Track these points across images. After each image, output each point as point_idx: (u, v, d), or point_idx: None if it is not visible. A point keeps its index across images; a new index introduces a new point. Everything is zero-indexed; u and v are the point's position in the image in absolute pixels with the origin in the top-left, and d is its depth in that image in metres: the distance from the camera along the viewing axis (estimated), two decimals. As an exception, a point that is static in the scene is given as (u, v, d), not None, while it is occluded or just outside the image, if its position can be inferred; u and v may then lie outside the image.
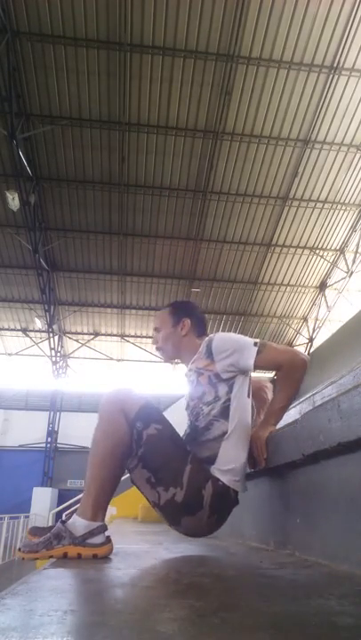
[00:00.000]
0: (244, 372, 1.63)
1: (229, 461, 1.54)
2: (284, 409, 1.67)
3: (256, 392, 1.88)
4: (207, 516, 1.50)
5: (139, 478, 1.53)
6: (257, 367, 1.59)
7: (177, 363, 1.89)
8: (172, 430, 1.56)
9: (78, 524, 1.40)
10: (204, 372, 1.64)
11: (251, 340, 1.62)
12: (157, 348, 1.87)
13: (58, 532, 1.38)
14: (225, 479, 1.51)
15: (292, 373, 1.62)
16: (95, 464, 1.46)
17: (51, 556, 1.36)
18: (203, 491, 1.48)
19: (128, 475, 1.58)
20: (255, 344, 1.60)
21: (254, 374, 1.73)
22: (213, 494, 1.48)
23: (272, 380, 1.86)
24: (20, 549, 1.42)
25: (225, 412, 1.58)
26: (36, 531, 1.49)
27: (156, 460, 1.49)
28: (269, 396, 1.92)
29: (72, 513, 1.52)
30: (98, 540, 1.39)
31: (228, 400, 1.59)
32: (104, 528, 1.42)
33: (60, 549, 1.36)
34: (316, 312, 15.31)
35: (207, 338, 1.69)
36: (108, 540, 1.42)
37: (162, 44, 8.82)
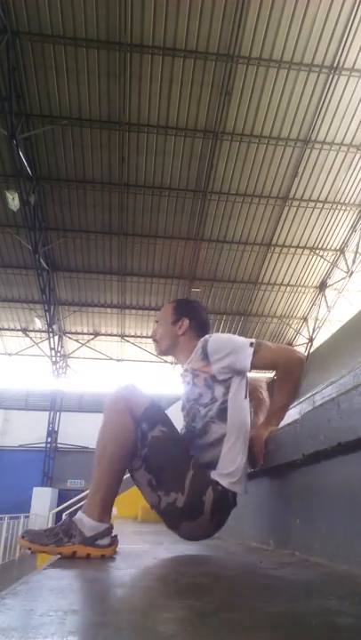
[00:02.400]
0: (241, 374, 1.61)
1: (230, 465, 1.53)
2: (285, 408, 1.67)
3: (251, 392, 1.85)
4: (207, 520, 1.49)
5: (140, 479, 1.52)
6: (254, 367, 1.58)
7: (175, 363, 1.88)
8: (177, 433, 1.56)
9: (87, 522, 1.39)
10: (199, 374, 1.62)
11: (247, 341, 1.60)
12: (153, 340, 1.88)
13: (68, 529, 1.38)
14: (225, 482, 1.51)
15: (290, 372, 1.61)
16: (104, 463, 1.45)
17: (59, 553, 1.36)
18: (203, 497, 1.47)
19: (128, 474, 1.57)
20: (251, 344, 1.58)
21: (249, 374, 1.72)
22: (214, 500, 1.47)
23: (272, 381, 1.85)
24: (23, 536, 1.39)
25: (222, 414, 1.56)
26: (30, 535, 1.42)
27: (158, 463, 1.48)
28: (264, 395, 1.92)
29: (72, 513, 1.51)
30: (106, 541, 1.39)
31: (226, 402, 1.57)
32: (111, 529, 1.42)
33: (70, 547, 1.36)
34: (316, 312, 15.32)
35: (202, 339, 1.66)
36: (114, 540, 1.43)
37: (162, 44, 8.82)
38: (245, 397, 1.64)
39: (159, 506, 1.49)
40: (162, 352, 1.86)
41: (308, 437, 1.22)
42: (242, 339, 1.63)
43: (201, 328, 1.81)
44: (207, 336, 1.67)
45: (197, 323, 1.81)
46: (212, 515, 1.48)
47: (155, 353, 16.53)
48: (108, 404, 1.50)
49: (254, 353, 1.56)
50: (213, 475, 1.51)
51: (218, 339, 1.65)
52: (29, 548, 1.38)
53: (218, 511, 1.50)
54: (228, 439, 1.54)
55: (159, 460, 1.48)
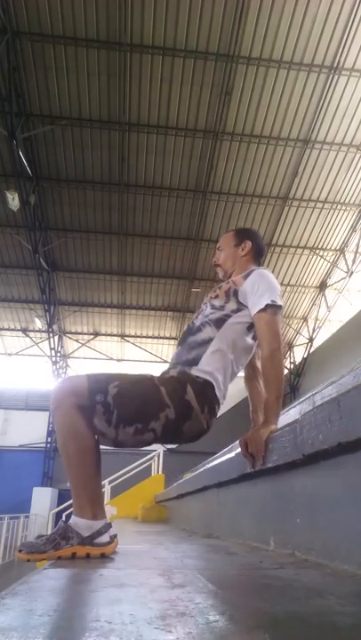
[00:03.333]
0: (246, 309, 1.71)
1: (209, 365, 1.64)
2: (279, 399, 1.66)
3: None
4: (200, 412, 1.58)
5: (128, 439, 1.53)
6: (253, 318, 1.67)
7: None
8: (126, 375, 1.61)
9: (81, 523, 1.40)
10: (230, 285, 1.77)
11: (275, 297, 1.67)
12: (215, 265, 1.99)
13: (64, 533, 1.38)
14: (205, 376, 1.61)
15: (270, 361, 1.61)
16: (73, 463, 1.47)
17: (59, 557, 1.36)
18: (186, 395, 1.56)
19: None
20: (273, 303, 1.64)
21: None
22: (196, 393, 1.57)
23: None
24: (20, 551, 1.40)
25: (219, 323, 1.69)
26: (27, 547, 1.42)
27: (133, 410, 1.51)
28: (258, 365, 1.93)
29: (69, 516, 1.51)
30: (104, 538, 1.40)
31: (228, 316, 1.70)
32: (109, 526, 1.42)
33: (69, 549, 1.36)
34: (316, 312, 15.32)
35: (256, 268, 1.78)
36: (113, 538, 1.43)
37: (162, 44, 8.82)
38: (248, 330, 1.72)
39: (159, 435, 1.54)
40: (225, 274, 1.95)
41: (308, 437, 1.21)
42: (275, 293, 1.69)
43: (259, 252, 1.97)
44: (260, 269, 1.78)
45: (257, 246, 1.96)
46: (201, 406, 1.58)
47: (155, 353, 16.57)
48: (52, 407, 1.52)
49: (265, 309, 1.63)
50: (193, 370, 1.62)
51: (262, 274, 1.74)
52: (28, 560, 1.38)
53: (205, 402, 1.60)
54: (214, 344, 1.66)
55: (132, 408, 1.51)
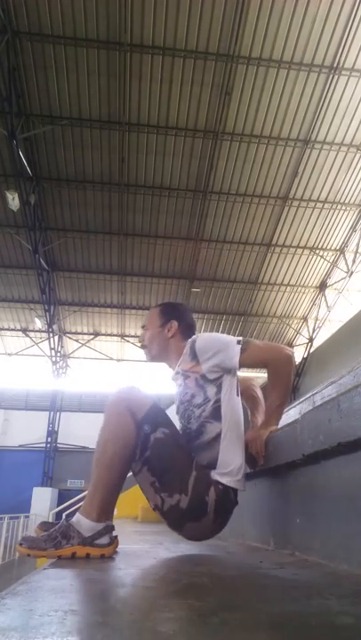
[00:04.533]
0: (231, 372, 1.61)
1: (228, 463, 1.53)
2: (282, 406, 1.66)
3: (244, 391, 1.85)
4: (211, 521, 1.50)
5: (142, 481, 1.52)
6: (242, 366, 1.58)
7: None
8: (178, 435, 1.56)
9: (84, 523, 1.39)
10: (190, 375, 1.62)
11: (234, 339, 1.61)
12: (142, 346, 1.86)
13: (65, 532, 1.38)
14: (225, 481, 1.51)
15: (279, 369, 1.61)
16: (103, 465, 1.44)
17: (59, 556, 1.36)
18: (206, 497, 1.47)
19: (130, 473, 1.57)
20: (238, 342, 1.58)
21: (240, 373, 1.72)
22: (217, 499, 1.48)
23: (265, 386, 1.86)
24: (20, 544, 1.40)
25: (216, 414, 1.57)
26: (46, 526, 1.48)
27: (161, 465, 1.48)
28: (258, 393, 1.92)
29: (71, 515, 1.51)
30: (105, 540, 1.39)
31: (218, 400, 1.58)
32: (112, 528, 1.42)
33: (69, 549, 1.36)
34: (316, 312, 15.31)
35: (190, 340, 1.67)
36: (114, 539, 1.42)
37: (162, 44, 8.82)
38: (238, 395, 1.64)
39: (162, 507, 1.49)
40: (152, 357, 1.83)
41: (308, 437, 1.21)
42: (229, 337, 1.63)
43: (188, 329, 1.82)
44: (194, 336, 1.68)
45: (185, 324, 1.82)
46: (215, 515, 1.49)
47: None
48: (109, 405, 1.50)
49: (242, 351, 1.57)
50: (213, 474, 1.51)
51: (205, 338, 1.65)
52: (28, 554, 1.38)
53: (221, 511, 1.51)
54: (225, 437, 1.55)
55: (162, 462, 1.48)
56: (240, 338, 1.61)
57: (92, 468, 1.46)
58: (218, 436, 1.55)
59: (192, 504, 1.46)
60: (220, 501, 1.49)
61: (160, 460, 1.48)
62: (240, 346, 1.58)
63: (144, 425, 1.46)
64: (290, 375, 1.63)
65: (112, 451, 1.44)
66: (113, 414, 1.48)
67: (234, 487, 1.53)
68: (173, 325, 1.79)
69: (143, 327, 1.87)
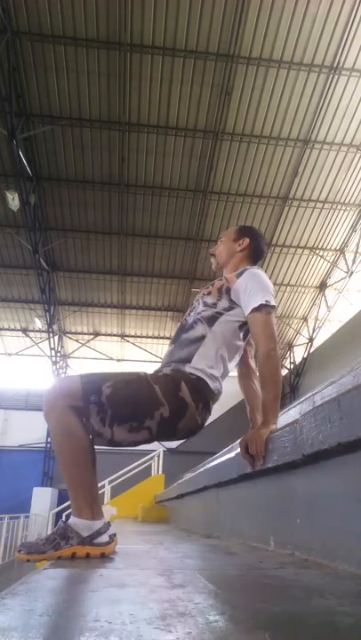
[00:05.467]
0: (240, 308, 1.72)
1: (201, 362, 1.64)
2: (276, 399, 1.65)
3: (245, 374, 1.95)
4: (195, 409, 1.58)
5: (124, 438, 1.53)
6: (248, 320, 1.67)
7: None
8: (120, 374, 1.63)
9: (80, 523, 1.40)
10: (223, 280, 1.79)
11: (269, 297, 1.66)
12: (212, 254, 2.02)
13: (64, 533, 1.38)
14: (198, 373, 1.61)
15: (267, 361, 1.61)
16: (68, 466, 1.46)
17: (59, 557, 1.36)
18: (180, 393, 1.56)
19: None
20: (267, 303, 1.64)
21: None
22: (190, 389, 1.58)
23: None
24: (19, 551, 1.40)
25: (211, 320, 1.69)
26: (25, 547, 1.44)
27: (129, 408, 1.52)
28: (252, 363, 1.94)
29: (68, 516, 1.52)
30: (104, 538, 1.40)
31: (220, 314, 1.70)
32: (108, 526, 1.42)
33: (69, 549, 1.36)
34: (316, 312, 15.32)
35: (250, 267, 1.77)
36: (113, 537, 1.43)
37: (162, 44, 8.82)
38: (239, 329, 1.72)
39: (155, 433, 1.55)
40: (219, 266, 1.98)
41: (308, 437, 1.22)
42: (268, 292, 1.69)
43: (257, 252, 1.95)
44: (254, 268, 1.77)
45: (256, 245, 1.94)
46: (196, 403, 1.58)
47: (155, 353, 16.56)
48: (46, 408, 1.51)
49: (259, 309, 1.63)
50: (187, 367, 1.62)
51: (255, 275, 1.73)
52: (28, 560, 1.39)
53: (200, 398, 1.60)
54: (206, 342, 1.67)
55: (128, 405, 1.52)
56: (273, 303, 1.67)
57: (63, 472, 1.48)
58: (202, 337, 1.67)
59: (172, 407, 1.54)
60: (195, 390, 1.59)
61: (124, 405, 1.51)
62: (263, 304, 1.64)
63: (90, 397, 1.48)
64: (278, 368, 1.64)
65: (68, 449, 1.46)
66: (53, 415, 1.49)
67: (205, 379, 1.62)
68: (245, 242, 1.92)
69: (219, 239, 2.01)
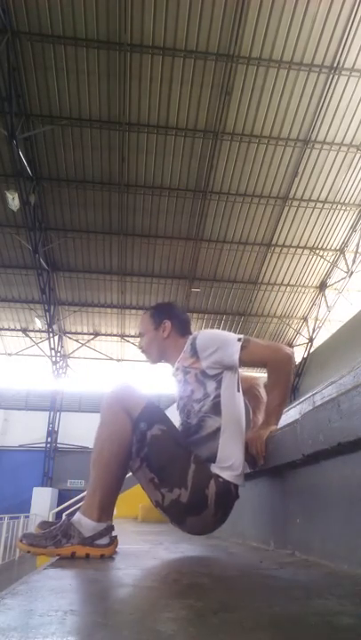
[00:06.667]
0: (231, 369, 1.62)
1: (228, 457, 1.54)
2: (282, 405, 1.66)
3: (248, 390, 1.87)
4: (212, 514, 1.50)
5: (142, 478, 1.53)
6: (243, 363, 1.59)
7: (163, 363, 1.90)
8: (176, 431, 1.56)
9: (84, 523, 1.39)
10: (190, 370, 1.64)
11: (235, 336, 1.62)
12: (142, 352, 1.87)
13: (66, 530, 1.38)
14: (225, 475, 1.52)
15: (279, 368, 1.61)
16: (101, 465, 1.45)
17: (58, 555, 1.36)
18: (206, 490, 1.47)
19: (130, 473, 1.57)
20: (239, 339, 1.59)
21: (245, 373, 1.74)
22: (217, 492, 1.48)
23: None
24: (21, 540, 1.40)
25: (216, 408, 1.58)
26: (46, 525, 1.49)
27: (159, 461, 1.48)
28: (262, 393, 1.91)
29: (71, 514, 1.51)
30: (105, 540, 1.39)
31: (218, 396, 1.59)
32: (111, 529, 1.42)
33: (69, 548, 1.36)
34: (316, 312, 15.32)
35: (191, 336, 1.69)
36: (114, 539, 1.43)
37: (162, 44, 8.82)
38: (238, 391, 1.64)
39: (163, 503, 1.49)
40: (154, 360, 1.86)
41: (308, 437, 1.21)
42: (230, 334, 1.64)
43: (183, 325, 1.83)
44: (196, 333, 1.69)
45: (179, 322, 1.82)
46: (216, 508, 1.49)
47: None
48: (104, 404, 1.51)
49: (242, 348, 1.57)
50: (213, 468, 1.51)
51: (206, 334, 1.66)
52: (28, 551, 1.39)
53: (221, 504, 1.51)
54: (224, 432, 1.55)
55: (160, 459, 1.48)
56: (241, 335, 1.62)
57: (91, 469, 1.47)
58: (217, 430, 1.56)
59: (192, 497, 1.46)
60: (221, 495, 1.49)
61: (158, 456, 1.48)
62: (240, 343, 1.58)
63: (140, 423, 1.47)
64: (289, 374, 1.63)
65: (109, 451, 1.45)
66: (109, 414, 1.49)
67: (234, 482, 1.53)
68: (167, 325, 1.80)
69: (140, 334, 1.89)
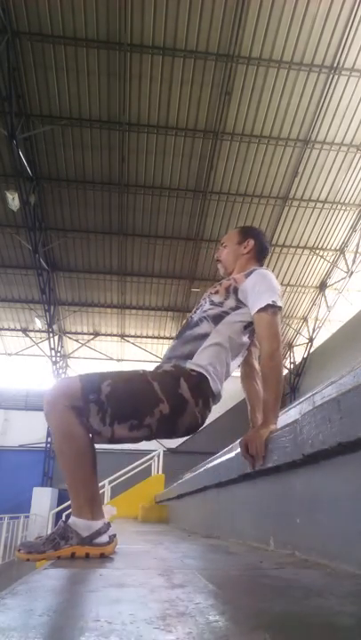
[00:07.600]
0: (244, 307, 1.73)
1: (204, 360, 1.64)
2: (277, 400, 1.65)
3: (248, 373, 1.95)
4: (194, 406, 1.58)
5: (124, 434, 1.53)
6: (253, 317, 1.67)
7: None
8: (119, 373, 1.63)
9: (80, 523, 1.40)
10: (230, 279, 1.79)
11: (276, 297, 1.67)
12: (217, 260, 2.01)
13: (63, 533, 1.38)
14: (200, 370, 1.62)
15: (270, 361, 1.62)
16: (69, 466, 1.47)
17: (58, 557, 1.36)
18: (179, 389, 1.56)
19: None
20: (273, 303, 1.65)
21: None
22: (190, 386, 1.58)
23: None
24: (19, 550, 1.40)
25: (217, 319, 1.70)
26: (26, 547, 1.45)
27: (128, 406, 1.52)
28: (259, 384, 1.93)
29: (68, 516, 1.52)
30: (104, 539, 1.40)
31: (226, 313, 1.71)
32: (108, 526, 1.42)
33: (68, 549, 1.37)
34: (316, 312, 15.32)
35: (257, 270, 1.77)
36: (113, 538, 1.43)
37: (162, 44, 8.82)
38: (244, 329, 1.73)
39: (155, 431, 1.54)
40: (226, 271, 1.97)
41: (308, 437, 1.21)
42: (276, 294, 1.69)
43: (262, 252, 1.96)
44: (259, 269, 1.79)
45: (260, 247, 1.96)
46: (195, 400, 1.58)
47: (155, 353, 16.57)
48: (46, 408, 1.51)
49: (265, 309, 1.64)
50: (188, 364, 1.63)
51: (265, 275, 1.75)
52: (27, 559, 1.39)
53: (200, 395, 1.60)
54: (210, 339, 1.67)
55: (127, 403, 1.52)
56: (279, 304, 1.67)
57: (63, 472, 1.48)
58: (205, 334, 1.68)
59: (171, 403, 1.54)
60: (195, 386, 1.58)
61: (123, 403, 1.51)
62: (270, 304, 1.65)
63: (89, 396, 1.48)
64: (279, 369, 1.65)
65: (69, 450, 1.47)
66: (53, 416, 1.50)
67: (206, 375, 1.62)
68: (250, 243, 1.93)
69: (222, 244, 2.00)
